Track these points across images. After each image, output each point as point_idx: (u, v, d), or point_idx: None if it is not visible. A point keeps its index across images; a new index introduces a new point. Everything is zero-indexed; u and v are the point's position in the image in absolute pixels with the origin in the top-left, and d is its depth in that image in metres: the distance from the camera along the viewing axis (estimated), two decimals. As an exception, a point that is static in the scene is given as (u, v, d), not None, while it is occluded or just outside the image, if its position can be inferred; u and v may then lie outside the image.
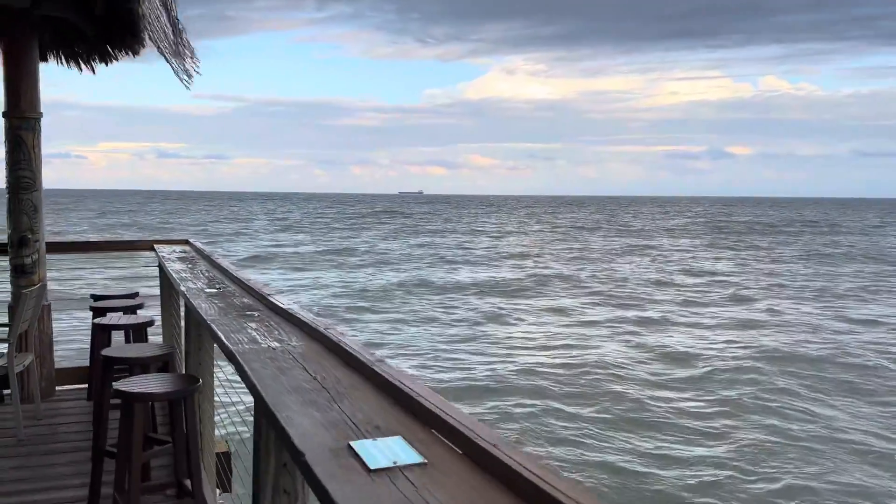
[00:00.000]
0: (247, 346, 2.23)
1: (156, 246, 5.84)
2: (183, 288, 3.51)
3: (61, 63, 5.95)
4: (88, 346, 5.20)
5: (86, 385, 5.54)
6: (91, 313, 5.34)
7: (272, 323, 2.64)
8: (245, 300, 3.17)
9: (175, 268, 4.41)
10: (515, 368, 13.19)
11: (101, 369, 3.66)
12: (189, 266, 4.50)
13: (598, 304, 20.87)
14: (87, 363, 6.51)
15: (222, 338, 2.37)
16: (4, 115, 5.22)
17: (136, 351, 3.55)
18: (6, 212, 5.31)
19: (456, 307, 20.11)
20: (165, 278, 5.84)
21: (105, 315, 4.89)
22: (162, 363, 3.61)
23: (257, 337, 2.38)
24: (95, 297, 5.47)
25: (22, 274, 5.28)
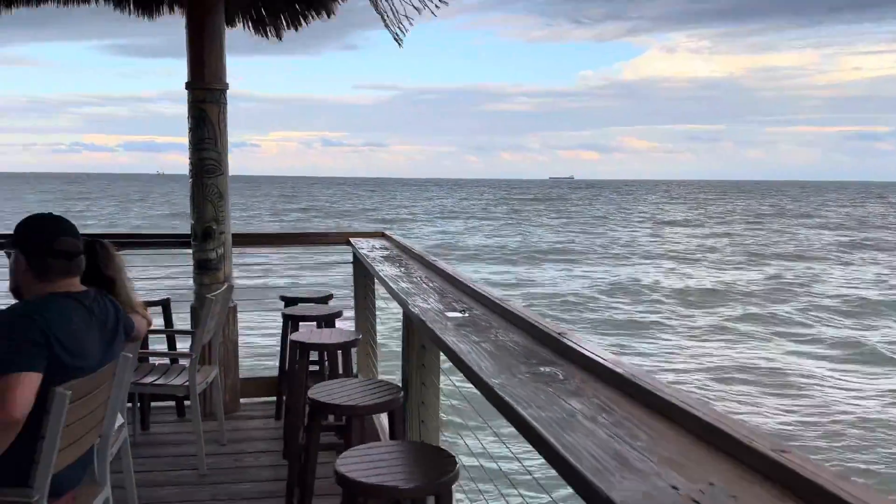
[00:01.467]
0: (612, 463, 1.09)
1: (351, 240, 4.96)
2: (416, 310, 2.46)
3: (247, 28, 5.23)
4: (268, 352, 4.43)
5: (273, 398, 4.78)
6: (282, 320, 4.56)
7: (600, 399, 1.48)
8: (514, 336, 2.05)
9: (386, 272, 3.42)
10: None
11: (309, 413, 2.71)
12: (402, 270, 3.49)
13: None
14: (264, 370, 5.80)
15: (545, 434, 1.25)
16: (187, 86, 4.52)
17: (346, 392, 2.58)
18: (189, 199, 4.64)
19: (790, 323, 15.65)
20: (361, 274, 4.95)
21: (298, 328, 4.06)
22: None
23: (612, 442, 1.23)
24: (287, 300, 4.67)
25: (206, 270, 4.59)
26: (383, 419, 3.68)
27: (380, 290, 4.41)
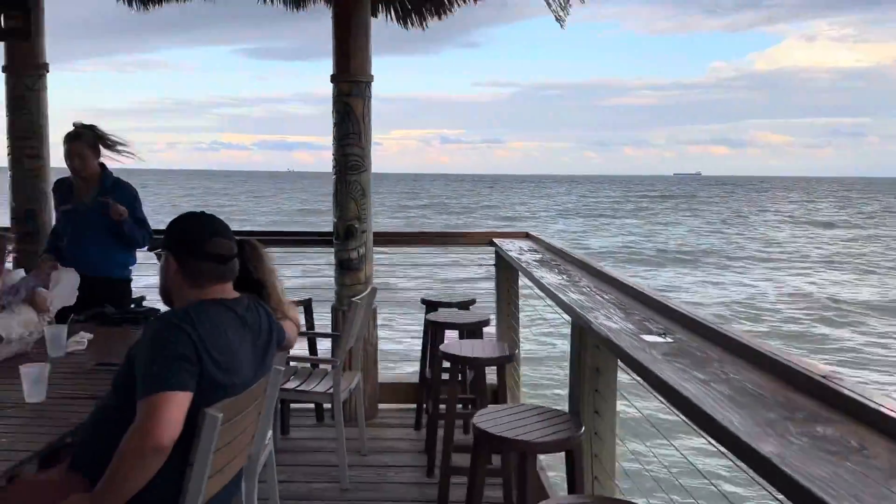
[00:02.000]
0: None
1: (495, 240, 4.64)
2: (603, 330, 2.08)
3: (390, 19, 5.02)
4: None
5: (412, 406, 4.54)
6: (423, 325, 4.31)
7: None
8: (751, 376, 1.62)
9: (547, 279, 3.05)
10: None
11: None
12: (565, 277, 3.11)
13: None
14: (398, 373, 5.59)
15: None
16: (333, 79, 4.36)
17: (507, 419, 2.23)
18: (332, 196, 4.48)
19: None
20: (505, 278, 4.62)
21: (441, 335, 3.77)
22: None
23: None
24: (428, 304, 4.41)
25: (347, 270, 4.41)
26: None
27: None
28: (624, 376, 2.48)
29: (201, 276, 2.02)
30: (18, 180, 4.33)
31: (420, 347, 4.47)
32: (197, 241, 2.02)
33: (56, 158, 4.44)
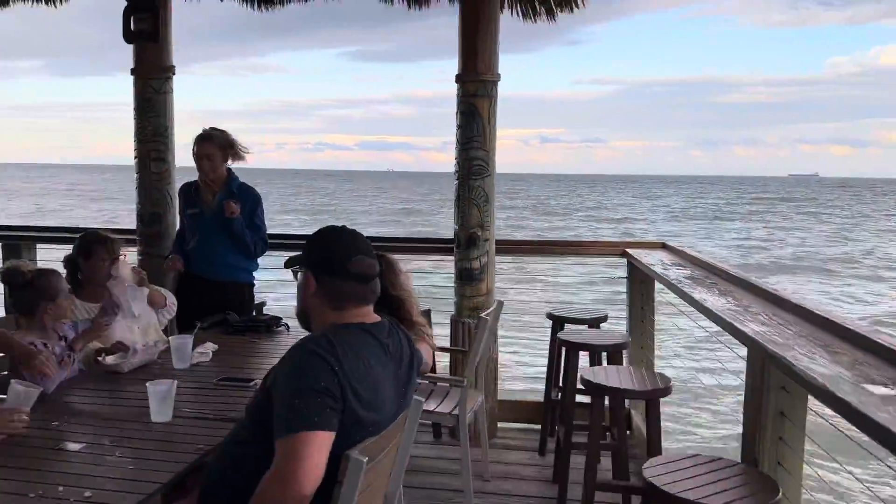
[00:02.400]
0: None
1: (629, 251, 4.27)
2: (815, 376, 1.71)
3: (516, 14, 4.73)
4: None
5: (535, 426, 4.23)
6: (550, 343, 4.00)
7: None
8: None
9: (710, 301, 2.67)
10: None
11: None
12: (729, 300, 2.72)
13: None
14: (517, 389, 5.30)
15: None
16: (458, 78, 4.12)
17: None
18: (454, 201, 4.25)
19: None
20: (641, 293, 4.24)
21: (576, 354, 3.45)
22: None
23: None
24: (554, 319, 4.09)
25: (468, 280, 4.16)
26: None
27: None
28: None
29: (343, 297, 1.81)
30: (144, 183, 4.35)
31: (544, 365, 4.17)
32: (339, 260, 1.81)
33: (180, 161, 4.44)
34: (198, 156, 3.82)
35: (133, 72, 4.32)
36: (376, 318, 1.89)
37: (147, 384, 2.29)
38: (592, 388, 2.81)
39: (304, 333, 1.93)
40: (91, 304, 3.19)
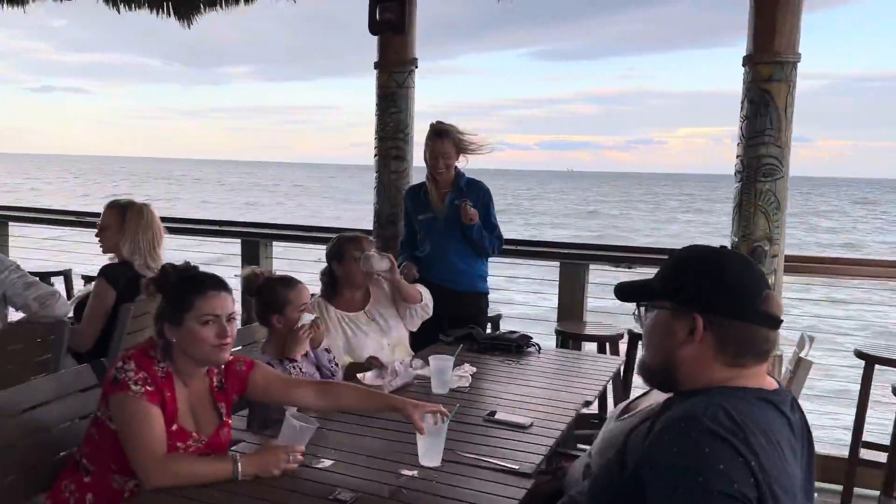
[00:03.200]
0: None
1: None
2: None
3: None
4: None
5: (835, 486, 3.42)
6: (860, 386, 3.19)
7: None
8: None
9: None
10: None
11: None
12: None
13: None
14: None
15: None
16: (746, 60, 3.43)
17: None
18: (733, 208, 3.57)
19: None
20: None
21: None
22: None
23: None
24: (867, 358, 3.27)
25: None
26: None
27: None
28: None
29: (746, 349, 1.28)
30: (384, 182, 4.13)
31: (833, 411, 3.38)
32: (748, 295, 1.28)
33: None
34: (432, 153, 3.49)
35: (376, 65, 4.11)
36: (772, 380, 1.34)
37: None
38: None
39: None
40: (347, 313, 2.95)
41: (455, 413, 2.01)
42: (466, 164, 3.56)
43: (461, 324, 3.35)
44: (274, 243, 4.82)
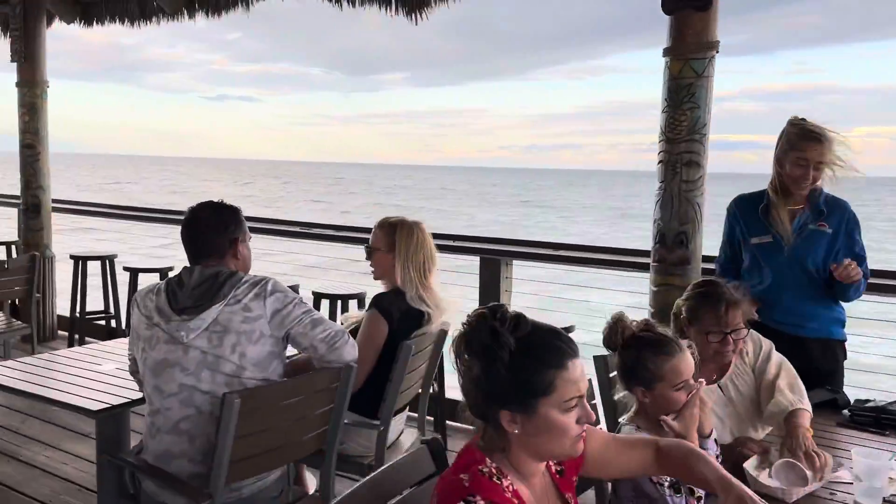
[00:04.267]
0: None
1: None
2: None
3: None
4: None
5: None
6: None
7: None
8: None
9: None
10: None
11: None
12: None
13: None
14: None
15: None
16: None
17: None
18: None
19: None
20: None
21: None
22: None
23: None
24: None
25: None
26: None
27: None
28: None
29: None
30: (672, 193, 3.36)
31: None
32: None
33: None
34: (799, 160, 2.68)
35: (666, 52, 3.36)
36: None
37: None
38: None
39: None
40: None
41: None
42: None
43: (811, 382, 2.53)
44: (514, 262, 4.22)
